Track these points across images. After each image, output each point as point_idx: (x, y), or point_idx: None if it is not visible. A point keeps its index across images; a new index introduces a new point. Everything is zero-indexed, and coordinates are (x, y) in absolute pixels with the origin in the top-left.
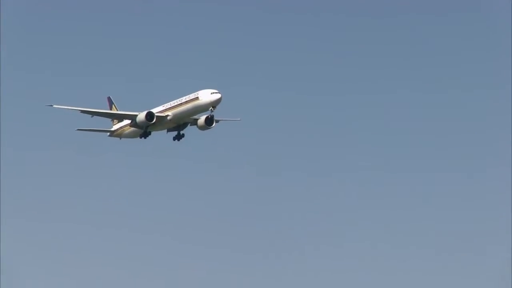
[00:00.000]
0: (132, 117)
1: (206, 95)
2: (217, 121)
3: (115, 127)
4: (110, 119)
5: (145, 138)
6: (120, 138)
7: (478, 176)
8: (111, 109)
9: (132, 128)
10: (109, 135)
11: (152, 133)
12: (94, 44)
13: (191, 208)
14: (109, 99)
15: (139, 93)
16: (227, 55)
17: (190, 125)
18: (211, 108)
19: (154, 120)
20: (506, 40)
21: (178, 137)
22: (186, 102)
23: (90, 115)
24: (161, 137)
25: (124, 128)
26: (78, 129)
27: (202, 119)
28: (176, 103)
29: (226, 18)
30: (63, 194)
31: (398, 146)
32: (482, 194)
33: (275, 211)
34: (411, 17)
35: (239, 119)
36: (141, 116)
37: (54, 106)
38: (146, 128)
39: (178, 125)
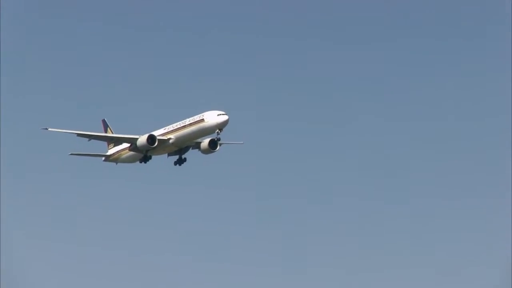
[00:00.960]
0: (132, 141)
1: (213, 117)
2: (220, 144)
3: (111, 151)
4: (105, 143)
5: (145, 162)
6: (117, 163)
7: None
8: (106, 132)
9: (131, 152)
10: (104, 160)
11: (152, 157)
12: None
13: (194, 236)
14: (104, 122)
15: (135, 116)
16: (229, 78)
17: (192, 149)
18: (217, 130)
19: (156, 143)
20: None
21: (180, 161)
22: (190, 124)
23: (87, 139)
24: (161, 161)
25: (122, 152)
26: (72, 154)
27: (205, 142)
28: (178, 126)
29: (228, 41)
30: (58, 221)
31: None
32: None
33: (279, 236)
34: (410, 18)
35: (242, 142)
36: (142, 139)
37: (49, 129)
38: (146, 152)
39: (180, 149)
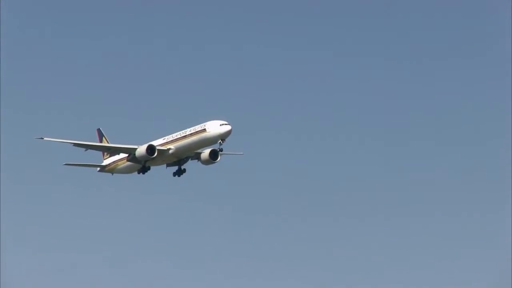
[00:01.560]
0: (130, 151)
1: (215, 127)
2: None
3: (106, 162)
4: (101, 153)
5: (143, 173)
6: (113, 174)
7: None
8: (101, 142)
9: (128, 163)
10: (99, 170)
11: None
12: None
13: (194, 249)
14: (99, 131)
15: (131, 125)
16: (226, 86)
17: (191, 159)
18: (220, 141)
19: (155, 154)
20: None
21: (179, 172)
22: (191, 134)
23: (84, 149)
24: (160, 172)
25: (118, 163)
26: (66, 164)
27: (206, 152)
28: (179, 136)
29: (226, 49)
30: (51, 232)
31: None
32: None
33: (281, 251)
34: (410, 18)
35: (241, 153)
36: (142, 149)
37: (45, 139)
38: (145, 162)
39: (179, 159)
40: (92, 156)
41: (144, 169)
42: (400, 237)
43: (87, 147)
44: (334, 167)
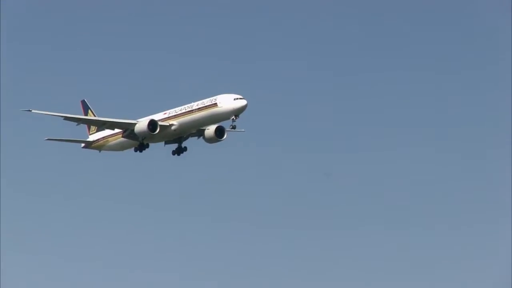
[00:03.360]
0: (128, 126)
1: (228, 102)
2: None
3: (93, 137)
4: (86, 128)
5: (140, 151)
6: (100, 151)
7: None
8: (86, 115)
9: (121, 139)
10: (84, 147)
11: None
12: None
13: (195, 235)
14: (84, 103)
15: (120, 96)
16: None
17: (192, 137)
18: (233, 117)
19: (157, 130)
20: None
21: (179, 150)
22: (199, 109)
23: (76, 123)
24: (157, 150)
25: (109, 139)
26: (48, 139)
27: (211, 129)
28: (183, 110)
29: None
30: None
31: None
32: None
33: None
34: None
35: (243, 130)
36: (142, 125)
37: (33, 111)
38: (143, 139)
39: (180, 137)
40: (76, 131)
41: (142, 147)
42: (400, 242)
43: (79, 121)
44: (341, 152)
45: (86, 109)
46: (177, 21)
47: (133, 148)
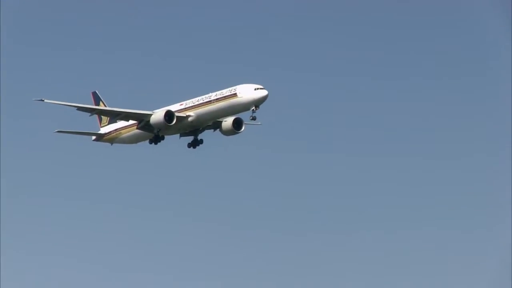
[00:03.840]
0: (143, 117)
1: (249, 92)
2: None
3: (104, 130)
4: (97, 120)
5: (155, 143)
6: (112, 144)
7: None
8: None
9: (135, 131)
10: (95, 140)
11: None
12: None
13: (209, 232)
14: (94, 95)
15: (131, 88)
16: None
17: (207, 130)
18: (253, 108)
19: (174, 121)
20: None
21: (195, 143)
22: (218, 100)
23: (89, 113)
24: (172, 143)
25: (122, 131)
26: (58, 131)
27: (229, 121)
28: (201, 101)
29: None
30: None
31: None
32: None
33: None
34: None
35: (259, 123)
36: (159, 115)
37: (46, 101)
38: (158, 131)
39: (196, 129)
40: (87, 124)
41: (157, 139)
42: (400, 242)
43: (93, 111)
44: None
45: (97, 100)
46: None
47: (147, 141)
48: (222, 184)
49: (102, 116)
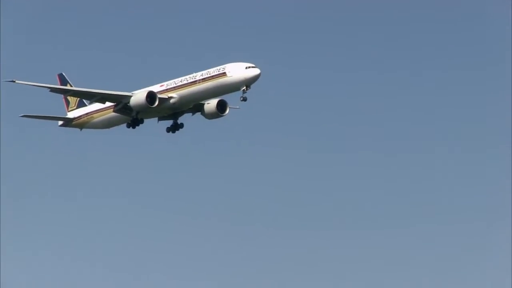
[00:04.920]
0: (122, 99)
1: (239, 70)
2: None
3: (73, 114)
4: (64, 103)
5: (133, 127)
6: (81, 129)
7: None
8: None
9: (109, 115)
10: (62, 125)
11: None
12: None
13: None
14: (61, 77)
15: (99, 68)
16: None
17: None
18: (244, 88)
19: (156, 103)
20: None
21: (174, 127)
22: (204, 80)
23: (62, 94)
24: (150, 127)
25: (94, 115)
26: (23, 115)
27: (212, 103)
28: (184, 82)
29: None
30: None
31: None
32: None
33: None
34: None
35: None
36: (140, 97)
37: (17, 82)
38: (137, 113)
39: (176, 112)
40: (52, 108)
41: (135, 122)
42: (399, 241)
43: (67, 92)
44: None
45: (64, 83)
46: None
47: (120, 126)
48: (207, 173)
49: (70, 100)
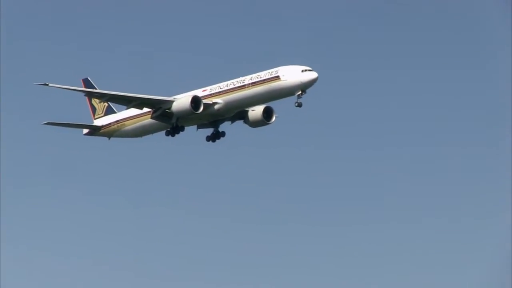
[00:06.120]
0: (163, 104)
1: (295, 74)
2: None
3: (100, 122)
4: (90, 110)
5: (172, 135)
6: (110, 138)
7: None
8: None
9: (144, 122)
10: (87, 134)
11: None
12: None
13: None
14: (86, 82)
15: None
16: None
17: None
18: (298, 93)
19: (201, 109)
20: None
21: (215, 136)
22: (254, 84)
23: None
24: (189, 135)
25: (125, 122)
26: (47, 123)
27: (258, 110)
28: (231, 86)
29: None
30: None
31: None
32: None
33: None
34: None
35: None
36: (184, 102)
37: (50, 85)
38: (177, 120)
39: (216, 119)
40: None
41: (175, 129)
42: (399, 241)
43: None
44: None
45: (90, 88)
46: None
47: (152, 134)
48: (254, 189)
49: (96, 106)
